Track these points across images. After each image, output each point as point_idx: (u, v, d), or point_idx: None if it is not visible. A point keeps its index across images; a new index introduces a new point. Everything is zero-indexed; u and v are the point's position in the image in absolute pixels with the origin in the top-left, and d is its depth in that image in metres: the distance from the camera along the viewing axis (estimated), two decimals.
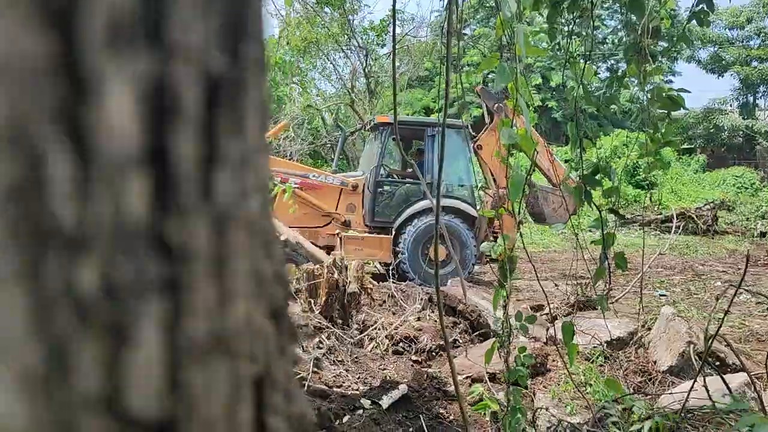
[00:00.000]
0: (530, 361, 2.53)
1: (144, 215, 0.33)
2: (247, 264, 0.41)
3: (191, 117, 0.35)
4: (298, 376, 4.80)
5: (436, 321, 6.64)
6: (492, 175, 11.12)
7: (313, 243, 10.49)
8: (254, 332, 0.42)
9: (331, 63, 20.24)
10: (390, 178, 11.55)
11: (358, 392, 4.87)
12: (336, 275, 6.22)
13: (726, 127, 28.17)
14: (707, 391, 3.43)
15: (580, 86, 2.72)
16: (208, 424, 0.37)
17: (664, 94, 2.48)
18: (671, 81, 32.48)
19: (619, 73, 2.85)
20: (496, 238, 11.56)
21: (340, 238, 10.39)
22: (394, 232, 10.72)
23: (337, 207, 10.97)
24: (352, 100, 17.87)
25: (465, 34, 29.64)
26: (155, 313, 0.34)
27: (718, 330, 2.93)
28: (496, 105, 11.16)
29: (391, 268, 9.62)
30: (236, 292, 0.39)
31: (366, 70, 19.65)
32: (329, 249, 10.41)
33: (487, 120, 11.53)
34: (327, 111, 18.81)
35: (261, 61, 0.42)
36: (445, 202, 10.22)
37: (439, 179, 2.01)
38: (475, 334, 6.71)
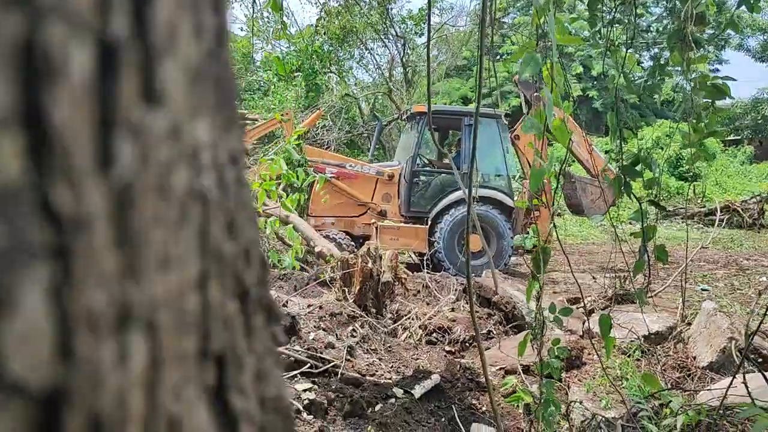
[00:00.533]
0: (564, 353, 2.49)
1: (21, 177, 0.32)
2: (181, 238, 0.40)
3: (75, 80, 0.34)
4: (332, 364, 4.84)
5: (470, 312, 6.61)
6: (529, 165, 10.99)
7: (348, 233, 10.55)
8: (206, 309, 0.41)
9: (368, 52, 20.22)
10: (426, 168, 11.53)
11: (390, 381, 4.88)
12: (370, 264, 6.24)
13: None
14: (747, 388, 3.35)
15: (621, 75, 2.65)
16: (116, 396, 0.36)
17: (708, 82, 2.41)
18: (718, 69, 31.58)
19: (661, 62, 2.77)
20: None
21: (376, 228, 10.43)
22: (429, 222, 10.72)
23: (373, 197, 11.02)
24: (389, 89, 17.82)
25: (504, 23, 29.29)
26: (41, 281, 0.33)
27: (759, 325, 2.85)
28: (534, 94, 10.96)
29: (425, 258, 9.59)
30: (152, 264, 0.38)
31: (403, 60, 19.56)
32: (365, 238, 10.46)
33: (525, 110, 11.40)
34: (364, 100, 18.80)
35: (184, 27, 0.40)
36: (481, 192, 10.36)
37: (471, 169, 1.98)
38: (510, 325, 6.66)
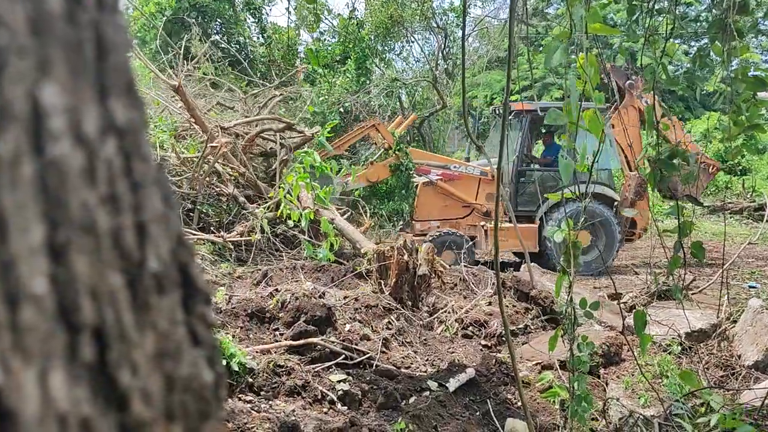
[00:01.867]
0: (591, 348, 2.45)
1: None
2: (20, 203, 0.38)
3: None
4: (367, 356, 4.86)
5: (507, 306, 6.56)
6: (625, 155, 11.01)
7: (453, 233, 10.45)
8: (68, 280, 0.40)
9: (411, 43, 20.17)
10: (532, 167, 11.39)
11: (425, 374, 4.88)
12: (406, 257, 6.24)
13: None
14: None
15: (660, 66, 2.59)
16: None
17: (749, 73, 2.33)
18: None
19: (702, 53, 2.69)
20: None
21: (485, 230, 10.36)
22: (538, 221, 10.61)
23: (476, 197, 10.93)
24: (434, 77, 17.73)
25: (548, 13, 28.83)
26: None
27: None
28: (627, 82, 11.12)
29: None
30: None
31: (444, 52, 19.46)
32: (471, 239, 10.46)
33: (617, 97, 11.20)
34: (405, 93, 18.76)
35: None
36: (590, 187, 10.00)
37: (499, 162, 1.96)
38: (547, 319, 6.59)
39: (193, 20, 14.94)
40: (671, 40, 2.77)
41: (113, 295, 0.42)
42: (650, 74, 2.66)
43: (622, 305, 5.99)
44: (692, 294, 7.50)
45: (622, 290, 8.05)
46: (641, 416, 3.75)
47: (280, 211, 6.49)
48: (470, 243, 10.16)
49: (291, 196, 5.89)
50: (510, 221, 10.33)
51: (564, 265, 2.18)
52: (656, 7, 2.96)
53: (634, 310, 4.35)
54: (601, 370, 5.34)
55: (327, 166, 5.73)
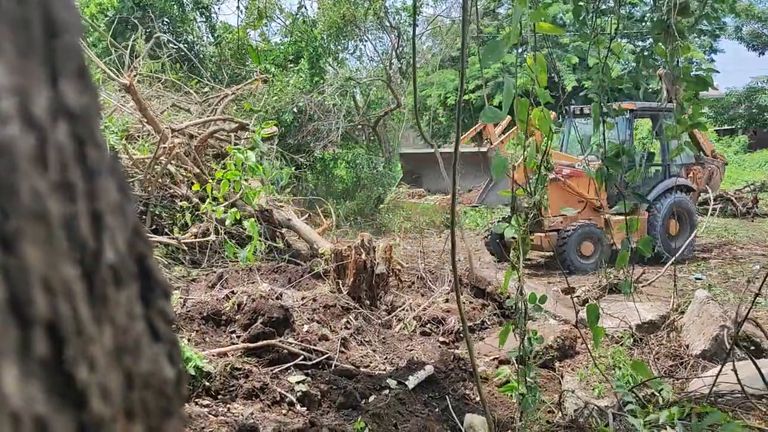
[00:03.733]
0: (541, 341, 2.50)
1: None
2: None
3: None
4: (325, 356, 4.85)
5: (465, 302, 6.63)
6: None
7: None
8: (17, 270, 0.38)
9: (365, 42, 20.16)
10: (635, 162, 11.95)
11: (384, 372, 4.89)
12: (364, 256, 6.24)
13: None
14: (736, 375, 3.37)
15: (604, 65, 2.65)
16: None
17: (691, 73, 2.41)
18: (713, 60, 31.53)
19: (645, 53, 2.77)
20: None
21: (607, 221, 10.71)
22: (646, 211, 11.32)
23: (589, 191, 11.37)
24: (389, 76, 17.76)
25: (499, 13, 29.19)
26: None
27: (747, 313, 2.87)
28: (675, 87, 11.46)
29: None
30: None
31: (398, 51, 19.53)
32: None
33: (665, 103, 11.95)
34: (360, 92, 18.76)
35: None
36: (672, 181, 11.73)
37: (455, 161, 1.98)
38: (503, 315, 6.68)
39: (137, 20, 14.63)
40: (617, 39, 2.84)
41: (68, 287, 0.40)
42: (596, 73, 2.73)
43: (575, 299, 6.10)
44: (642, 287, 7.71)
45: (576, 285, 8.22)
46: (596, 407, 3.84)
47: (204, 206, 6.38)
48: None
49: (219, 193, 5.80)
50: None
51: (513, 261, 2.22)
52: (602, 7, 3.04)
53: (586, 304, 4.44)
54: (557, 363, 5.44)
55: (260, 167, 5.64)
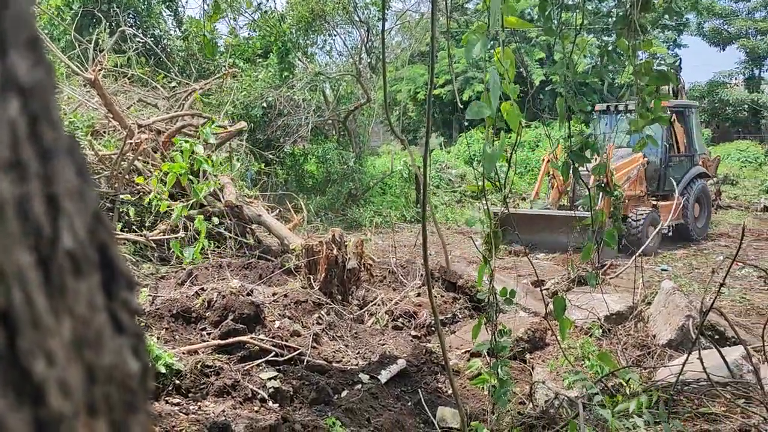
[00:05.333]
0: (509, 334, 2.53)
1: None
2: None
3: None
4: (297, 352, 4.83)
5: (436, 296, 6.66)
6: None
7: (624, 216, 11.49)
8: None
9: (334, 37, 20.05)
10: (675, 155, 13.29)
11: (356, 367, 4.89)
12: (335, 251, 6.23)
13: (731, 101, 27.88)
14: (702, 363, 3.44)
15: (569, 59, 2.67)
16: None
17: (652, 68, 2.44)
18: (677, 54, 32.05)
19: (609, 48, 2.80)
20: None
21: (655, 206, 12.03)
22: (678, 197, 12.48)
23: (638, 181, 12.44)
24: (358, 71, 17.70)
25: (468, 8, 29.28)
26: None
27: (712, 303, 2.92)
28: (680, 85, 14.07)
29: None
30: None
31: (367, 46, 19.49)
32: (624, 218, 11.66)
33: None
34: (329, 87, 18.67)
35: None
36: (698, 169, 13.37)
37: (426, 148, 1.98)
38: (474, 308, 6.73)
39: (102, 13, 14.33)
40: (582, 34, 2.86)
41: (22, 274, 0.38)
42: (561, 68, 2.75)
43: (545, 292, 6.18)
44: (610, 279, 7.82)
45: (545, 277, 8.31)
46: (566, 398, 3.89)
47: (147, 199, 6.26)
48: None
49: (164, 186, 5.67)
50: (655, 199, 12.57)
51: (485, 255, 2.23)
52: (568, 2, 3.06)
53: (554, 297, 4.48)
54: (527, 355, 5.50)
55: (209, 160, 5.52)
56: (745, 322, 6.65)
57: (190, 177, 5.64)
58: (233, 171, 7.07)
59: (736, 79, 30.95)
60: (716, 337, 5.32)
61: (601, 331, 5.76)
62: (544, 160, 12.99)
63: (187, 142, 5.30)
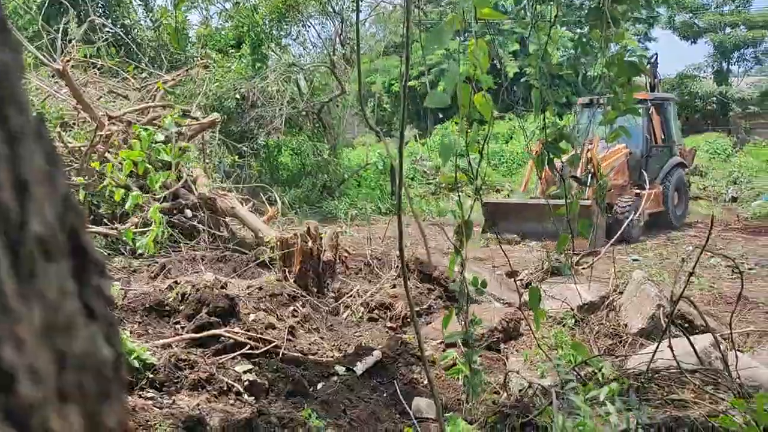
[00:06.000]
0: (480, 323, 2.55)
1: None
2: None
3: None
4: (273, 345, 4.82)
5: (412, 288, 6.68)
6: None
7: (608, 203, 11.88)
8: None
9: (308, 28, 19.92)
10: (656, 145, 13.80)
11: (332, 359, 4.90)
12: (310, 244, 6.21)
13: (700, 94, 28.33)
14: (672, 351, 3.50)
15: (544, 51, 2.69)
16: None
17: (624, 59, 2.47)
18: (647, 48, 32.44)
19: (583, 39, 2.82)
20: None
21: (638, 195, 12.34)
22: (661, 186, 13.29)
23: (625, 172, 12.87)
24: (332, 63, 17.60)
25: (441, 1, 29.28)
26: None
27: (682, 292, 2.98)
28: (657, 79, 14.85)
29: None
30: None
31: (341, 38, 19.40)
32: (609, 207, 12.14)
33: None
34: (303, 78, 18.55)
35: None
36: (676, 159, 13.92)
37: (401, 140, 1.98)
38: (449, 298, 6.77)
39: (70, 2, 14.02)
40: (556, 26, 2.88)
41: None
42: (536, 60, 2.76)
43: (518, 282, 6.26)
44: (582, 269, 7.91)
45: (519, 268, 8.38)
46: (539, 386, 3.94)
47: (101, 186, 6.11)
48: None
49: (121, 174, 5.56)
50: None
51: (457, 245, 2.24)
52: None
53: (529, 287, 4.53)
54: (502, 345, 5.55)
55: (167, 150, 5.43)
56: (714, 310, 6.79)
57: (148, 165, 5.54)
58: (174, 157, 6.94)
59: (705, 72, 31.43)
60: (686, 325, 5.42)
61: (574, 320, 5.83)
62: (533, 151, 13.21)
63: (146, 130, 5.18)
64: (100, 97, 10.85)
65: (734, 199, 17.55)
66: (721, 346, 4.16)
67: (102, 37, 12.94)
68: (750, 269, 9.47)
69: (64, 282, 0.42)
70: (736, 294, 5.64)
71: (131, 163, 5.14)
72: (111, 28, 13.89)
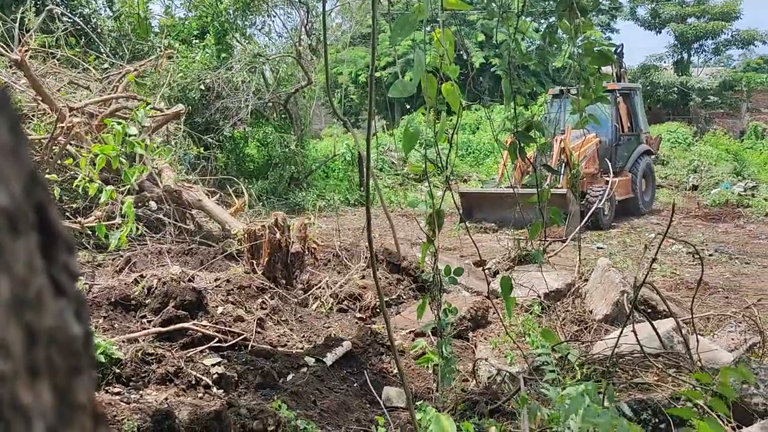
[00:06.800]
0: (456, 313, 2.58)
1: None
2: None
3: None
4: (241, 337, 4.79)
5: (381, 278, 6.69)
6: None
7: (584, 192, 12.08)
8: None
9: (273, 18, 19.70)
10: (624, 134, 14.20)
11: (302, 350, 4.89)
12: (278, 235, 6.17)
13: (662, 84, 28.82)
14: (636, 336, 3.58)
15: (514, 41, 2.71)
16: None
17: (594, 49, 2.50)
18: (610, 38, 32.86)
19: (552, 29, 2.85)
20: None
21: (609, 182, 12.26)
22: (630, 174, 13.72)
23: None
24: (299, 53, 17.44)
25: None
26: None
27: (645, 278, 3.04)
28: (623, 69, 15.42)
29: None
30: None
31: (307, 28, 19.24)
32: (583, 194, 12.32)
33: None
34: (269, 69, 18.36)
35: None
36: (643, 147, 14.35)
37: (368, 131, 1.98)
38: (418, 288, 6.80)
39: None
40: (523, 17, 2.91)
41: None
42: (505, 50, 2.78)
43: (486, 271, 6.31)
44: (549, 257, 8.02)
45: (487, 257, 8.46)
46: (508, 373, 3.99)
47: (76, 183, 6.06)
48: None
49: (94, 168, 5.47)
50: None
51: (429, 234, 2.26)
52: None
53: (499, 276, 4.58)
54: (470, 334, 5.61)
55: (141, 143, 5.36)
56: (676, 296, 6.96)
57: (122, 160, 5.46)
58: (150, 152, 6.84)
59: (666, 62, 31.97)
60: (649, 311, 5.54)
61: (540, 308, 5.91)
62: (507, 141, 13.32)
63: (119, 124, 5.10)
64: (60, 88, 10.60)
65: (695, 187, 17.93)
66: (682, 330, 4.27)
67: (61, 27, 12.62)
68: (710, 255, 9.72)
69: (31, 257, 0.42)
70: (696, 279, 5.79)
71: (104, 158, 5.06)
72: (70, 18, 13.55)
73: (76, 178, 8.03)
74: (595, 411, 1.93)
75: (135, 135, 5.11)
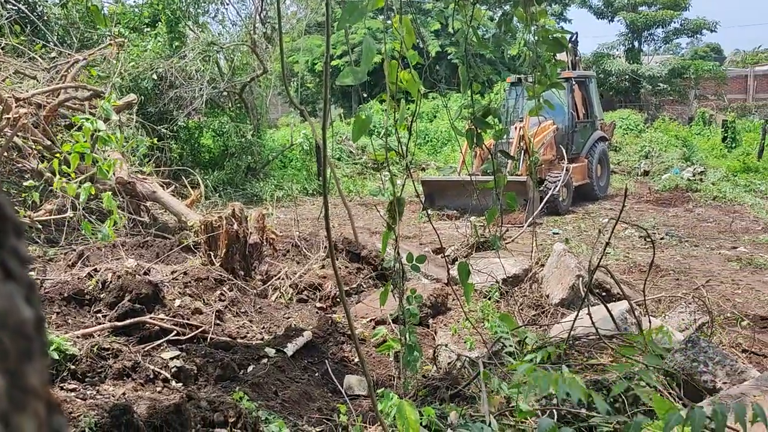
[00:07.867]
0: (420, 300, 2.59)
1: None
2: None
3: None
4: (200, 330, 4.73)
5: (341, 267, 6.69)
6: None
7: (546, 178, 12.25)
8: None
9: (226, 6, 19.38)
10: (579, 121, 14.43)
11: (262, 342, 4.86)
12: (236, 226, 6.11)
13: (614, 72, 29.38)
14: (591, 318, 3.66)
15: (470, 29, 2.73)
16: None
17: (550, 36, 2.54)
18: (562, 27, 33.26)
19: (507, 17, 2.88)
20: None
21: (568, 169, 12.66)
22: (585, 159, 14.10)
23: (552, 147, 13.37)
24: (253, 41, 17.18)
25: None
26: None
27: (599, 262, 3.11)
28: (577, 57, 15.92)
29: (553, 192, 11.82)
30: None
31: (262, 16, 18.98)
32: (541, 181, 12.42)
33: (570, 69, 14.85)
34: (223, 58, 18.05)
35: None
36: (598, 134, 14.77)
37: (324, 119, 1.97)
38: (378, 277, 6.82)
39: None
40: (477, 6, 2.92)
41: None
42: (461, 38, 2.80)
43: (446, 258, 6.37)
44: (506, 243, 8.13)
45: (446, 245, 8.53)
46: (467, 358, 4.04)
47: (55, 184, 5.96)
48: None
49: (69, 168, 5.38)
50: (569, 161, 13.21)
51: (389, 222, 2.26)
52: None
53: (457, 262, 4.62)
54: (430, 320, 5.66)
55: (113, 136, 5.28)
56: (629, 279, 7.13)
57: (95, 155, 5.37)
58: (120, 146, 6.70)
59: (618, 50, 32.56)
60: (603, 294, 5.67)
61: (499, 293, 6.00)
62: (464, 128, 13.55)
63: (88, 119, 5.00)
64: (5, 78, 10.24)
65: (646, 173, 18.37)
66: (635, 312, 4.38)
67: (5, 15, 12.18)
68: (661, 239, 9.99)
69: None
70: (648, 262, 5.95)
71: (77, 156, 4.95)
72: (14, 5, 13.08)
73: (24, 170, 7.81)
74: (542, 373, 1.98)
75: (104, 130, 5.02)
